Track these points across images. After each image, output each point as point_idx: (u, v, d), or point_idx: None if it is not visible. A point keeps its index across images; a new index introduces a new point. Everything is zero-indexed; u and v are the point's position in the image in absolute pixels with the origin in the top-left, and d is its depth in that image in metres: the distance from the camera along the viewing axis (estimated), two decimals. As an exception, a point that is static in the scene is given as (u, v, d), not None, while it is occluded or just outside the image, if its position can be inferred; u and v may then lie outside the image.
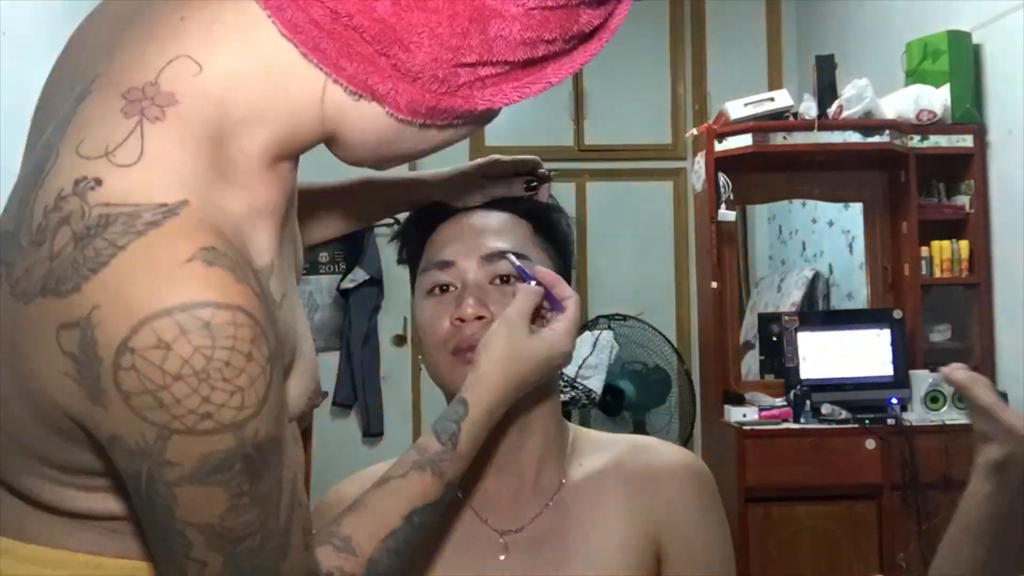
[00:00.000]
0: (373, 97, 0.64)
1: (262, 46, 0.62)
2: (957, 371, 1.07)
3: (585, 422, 3.60)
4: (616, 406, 3.61)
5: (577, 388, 3.44)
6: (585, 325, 3.71)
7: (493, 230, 0.99)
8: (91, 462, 0.64)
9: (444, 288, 0.97)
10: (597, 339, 3.55)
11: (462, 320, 0.94)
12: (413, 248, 1.04)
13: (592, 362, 3.50)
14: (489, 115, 0.69)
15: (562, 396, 3.39)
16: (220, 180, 0.61)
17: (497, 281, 0.97)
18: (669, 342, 3.65)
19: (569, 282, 1.04)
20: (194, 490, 0.58)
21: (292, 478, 0.64)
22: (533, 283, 0.94)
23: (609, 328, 3.65)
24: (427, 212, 1.04)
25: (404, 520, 0.77)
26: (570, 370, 3.44)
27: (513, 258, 0.96)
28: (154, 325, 0.54)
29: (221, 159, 0.61)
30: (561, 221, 1.06)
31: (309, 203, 1.03)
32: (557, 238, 1.04)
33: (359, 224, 1.10)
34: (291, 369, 0.69)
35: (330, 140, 0.69)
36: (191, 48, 0.61)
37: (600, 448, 1.05)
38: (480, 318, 0.94)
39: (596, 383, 3.48)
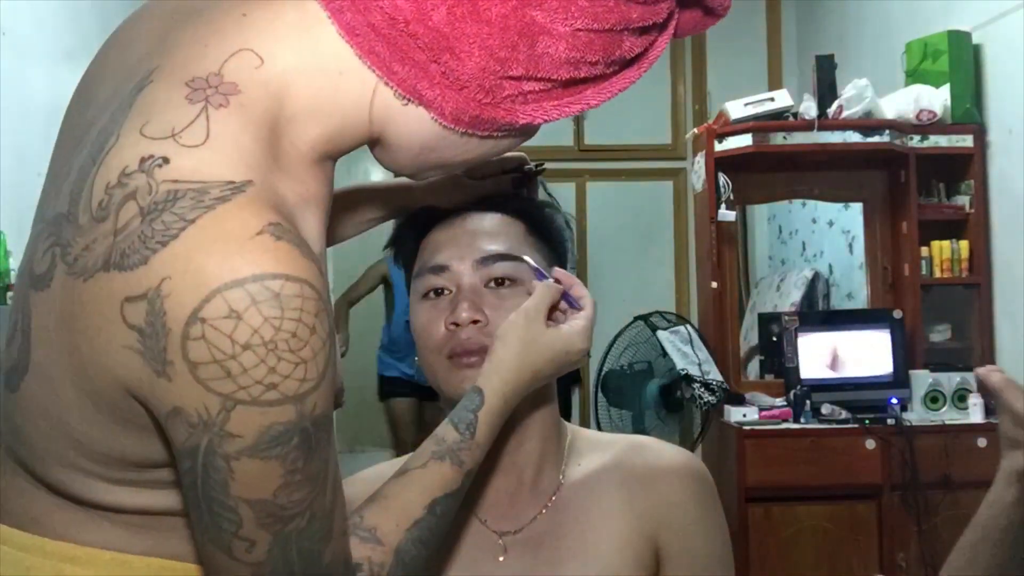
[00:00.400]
0: (421, 102, 0.66)
1: (320, 45, 0.65)
2: (993, 374, 1.06)
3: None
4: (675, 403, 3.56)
5: (714, 386, 3.40)
6: (647, 324, 3.65)
7: (487, 232, 0.99)
8: (136, 449, 0.64)
9: (439, 292, 0.97)
10: (690, 337, 3.52)
11: (457, 324, 0.94)
12: (407, 252, 1.03)
13: (702, 357, 3.48)
14: (529, 130, 0.71)
15: (708, 399, 3.38)
16: (276, 168, 0.63)
17: (492, 284, 0.96)
18: (703, 339, 3.62)
19: None
20: (252, 463, 0.58)
21: (336, 461, 0.65)
22: (551, 281, 0.93)
23: (677, 325, 3.60)
24: (420, 215, 1.03)
25: (427, 510, 0.77)
26: (696, 372, 3.43)
27: (530, 260, 0.95)
28: (226, 295, 0.56)
29: (277, 149, 0.64)
30: (555, 219, 1.05)
31: None
32: (551, 236, 1.04)
33: (352, 232, 1.12)
34: None
35: (374, 143, 0.71)
36: (253, 42, 0.64)
37: (598, 448, 1.04)
38: (475, 322, 0.93)
39: (717, 375, 3.45)
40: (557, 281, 0.94)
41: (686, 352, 3.46)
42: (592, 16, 0.63)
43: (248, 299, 0.56)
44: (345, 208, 1.09)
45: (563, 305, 0.94)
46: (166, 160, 0.59)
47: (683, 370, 3.38)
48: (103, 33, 0.76)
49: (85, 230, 0.60)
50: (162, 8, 0.71)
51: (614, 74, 0.69)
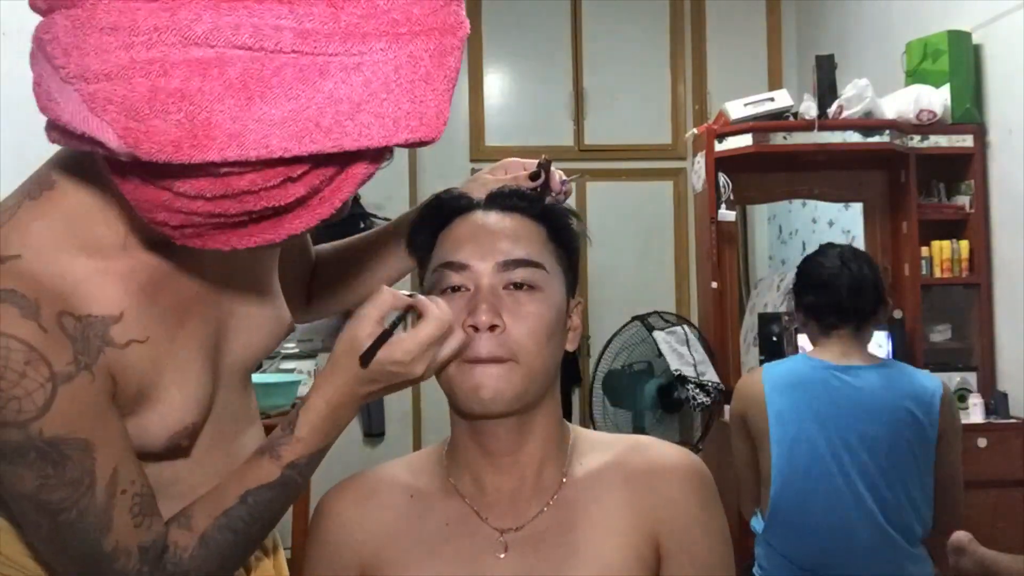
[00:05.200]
0: None
1: None
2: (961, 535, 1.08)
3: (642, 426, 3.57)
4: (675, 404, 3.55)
5: (709, 387, 3.39)
6: (644, 325, 3.65)
7: (509, 235, 0.98)
8: None
9: (455, 289, 0.97)
10: (687, 338, 3.51)
11: (476, 328, 0.93)
12: (424, 242, 1.03)
13: (698, 358, 3.47)
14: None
15: (703, 400, 3.37)
16: (74, 248, 0.79)
17: (511, 287, 0.96)
18: (701, 339, 3.61)
19: (575, 284, 1.04)
20: (8, 469, 0.77)
21: (111, 471, 0.81)
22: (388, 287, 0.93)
23: (675, 325, 3.60)
24: (440, 206, 1.03)
25: (239, 499, 0.88)
26: (691, 373, 3.42)
27: (416, 295, 0.94)
28: None
29: (80, 233, 0.80)
30: (575, 226, 1.05)
31: (348, 258, 1.26)
32: (570, 244, 1.04)
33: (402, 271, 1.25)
34: (144, 403, 0.85)
35: None
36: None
37: (600, 448, 1.04)
38: (493, 327, 0.93)
39: (713, 375, 3.44)
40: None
41: (682, 353, 3.46)
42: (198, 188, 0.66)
43: None
44: (382, 250, 1.23)
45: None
46: None
47: (677, 371, 3.37)
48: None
49: None
50: None
51: (269, 218, 0.71)
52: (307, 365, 3.28)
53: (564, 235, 1.03)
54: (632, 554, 0.96)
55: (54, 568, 0.89)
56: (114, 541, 0.81)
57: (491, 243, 0.97)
